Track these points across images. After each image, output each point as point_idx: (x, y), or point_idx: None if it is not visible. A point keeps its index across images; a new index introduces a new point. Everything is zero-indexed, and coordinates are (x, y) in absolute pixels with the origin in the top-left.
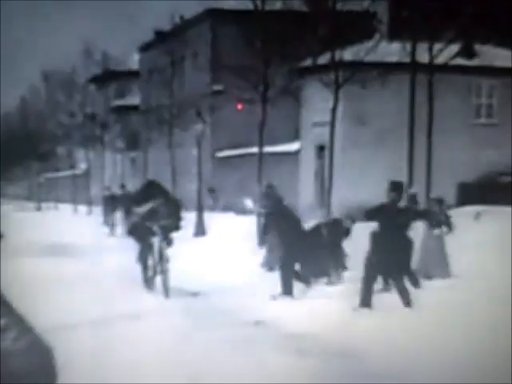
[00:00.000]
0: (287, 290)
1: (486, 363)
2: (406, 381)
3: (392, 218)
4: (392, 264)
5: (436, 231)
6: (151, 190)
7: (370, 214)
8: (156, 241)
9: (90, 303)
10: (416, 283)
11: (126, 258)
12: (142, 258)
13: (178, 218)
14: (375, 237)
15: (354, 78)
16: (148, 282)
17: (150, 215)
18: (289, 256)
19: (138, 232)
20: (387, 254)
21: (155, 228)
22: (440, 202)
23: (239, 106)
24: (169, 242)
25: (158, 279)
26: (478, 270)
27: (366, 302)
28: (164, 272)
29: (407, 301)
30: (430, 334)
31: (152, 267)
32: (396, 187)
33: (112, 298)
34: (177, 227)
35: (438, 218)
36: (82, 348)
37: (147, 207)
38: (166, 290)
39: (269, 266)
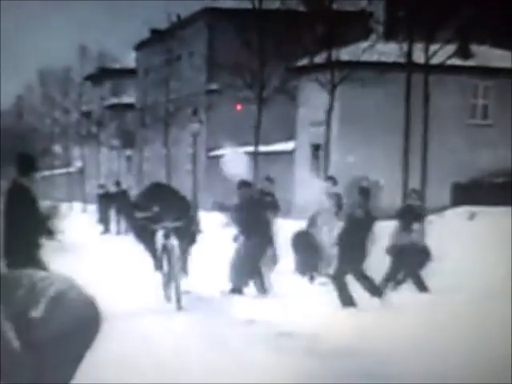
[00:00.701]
0: (261, 289)
1: (482, 363)
2: (400, 381)
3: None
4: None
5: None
6: (156, 192)
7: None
8: (170, 244)
9: None
10: (422, 287)
11: (121, 256)
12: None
13: (189, 220)
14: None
15: (351, 78)
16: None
17: (155, 219)
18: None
19: (144, 235)
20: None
21: (165, 231)
22: (418, 193)
23: (238, 107)
24: (184, 251)
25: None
26: (472, 269)
27: (346, 301)
28: (176, 280)
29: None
30: (421, 334)
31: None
32: (363, 193)
33: (108, 296)
34: (189, 230)
35: (417, 213)
36: None
37: (151, 212)
38: (179, 302)
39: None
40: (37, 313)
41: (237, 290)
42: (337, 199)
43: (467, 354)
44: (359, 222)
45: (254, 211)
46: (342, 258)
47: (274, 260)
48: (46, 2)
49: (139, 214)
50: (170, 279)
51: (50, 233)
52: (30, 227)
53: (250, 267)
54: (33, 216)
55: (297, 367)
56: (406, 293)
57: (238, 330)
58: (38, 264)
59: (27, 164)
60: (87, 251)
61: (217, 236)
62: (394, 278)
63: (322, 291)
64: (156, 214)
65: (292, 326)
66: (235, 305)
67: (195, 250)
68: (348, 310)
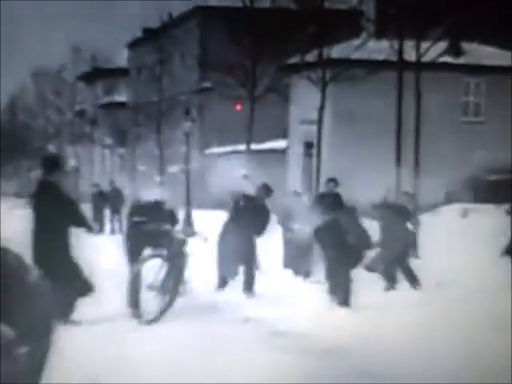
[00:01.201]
0: (249, 287)
1: (478, 361)
2: (396, 380)
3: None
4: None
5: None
6: (146, 207)
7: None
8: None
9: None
10: (413, 279)
11: (115, 256)
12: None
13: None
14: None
15: (342, 76)
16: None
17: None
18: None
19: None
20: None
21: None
22: (410, 195)
23: (238, 107)
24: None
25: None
26: (466, 266)
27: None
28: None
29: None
30: (416, 331)
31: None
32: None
33: (100, 297)
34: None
35: (409, 214)
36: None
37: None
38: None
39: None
40: (32, 278)
41: (222, 283)
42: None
43: (463, 352)
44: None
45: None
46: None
47: (256, 263)
48: (39, 3)
49: (135, 218)
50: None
51: (86, 226)
52: (60, 223)
53: (238, 259)
54: (63, 211)
55: (291, 366)
56: (400, 290)
57: (232, 329)
58: (70, 261)
59: (53, 164)
60: (82, 250)
61: (210, 234)
62: (391, 275)
63: (314, 290)
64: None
65: (286, 324)
66: (229, 304)
67: (192, 248)
68: (342, 309)
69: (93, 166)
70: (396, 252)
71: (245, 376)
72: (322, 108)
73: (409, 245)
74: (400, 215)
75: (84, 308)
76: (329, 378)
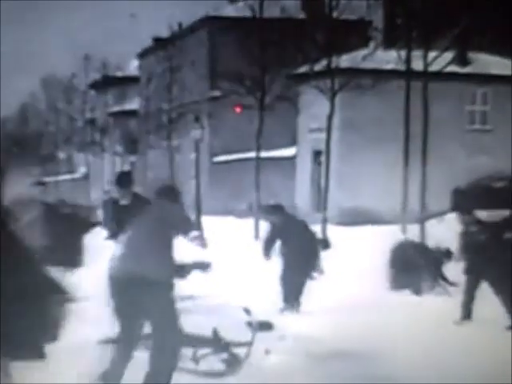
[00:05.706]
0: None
1: (481, 364)
2: (397, 381)
3: None
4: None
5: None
6: None
7: None
8: None
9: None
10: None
11: None
12: None
13: None
14: None
15: (350, 85)
16: None
17: None
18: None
19: None
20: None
21: None
22: None
23: (238, 110)
24: None
25: None
26: None
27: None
28: None
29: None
30: (422, 335)
31: None
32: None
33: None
34: None
35: None
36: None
37: None
38: None
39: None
40: None
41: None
42: None
43: (467, 356)
44: None
45: None
46: None
47: None
48: (50, 11)
49: None
50: None
51: None
52: None
53: None
54: None
55: (296, 369)
56: (404, 295)
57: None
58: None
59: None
60: (93, 256)
61: (224, 241)
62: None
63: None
64: None
65: (290, 327)
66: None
67: (201, 255)
68: (345, 311)
69: (103, 173)
70: None
71: (250, 378)
72: (330, 116)
73: None
74: None
75: None
76: (333, 380)
